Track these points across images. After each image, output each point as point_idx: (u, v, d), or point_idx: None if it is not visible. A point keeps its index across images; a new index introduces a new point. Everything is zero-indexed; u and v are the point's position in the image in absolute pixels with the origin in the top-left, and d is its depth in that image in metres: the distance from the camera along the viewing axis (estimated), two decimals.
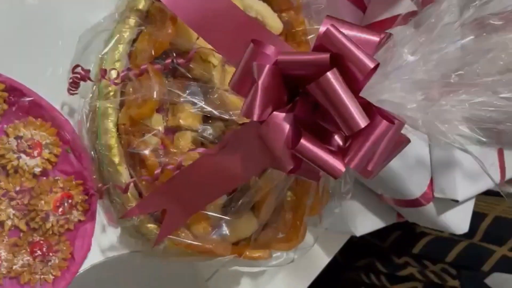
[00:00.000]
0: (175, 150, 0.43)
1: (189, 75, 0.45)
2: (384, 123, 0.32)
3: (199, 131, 0.48)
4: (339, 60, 0.33)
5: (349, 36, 0.34)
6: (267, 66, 0.34)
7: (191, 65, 0.45)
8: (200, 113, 0.47)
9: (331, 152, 0.35)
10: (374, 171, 0.36)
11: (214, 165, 0.41)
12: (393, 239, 0.93)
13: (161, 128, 0.46)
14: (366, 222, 0.65)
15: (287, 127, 0.35)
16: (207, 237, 0.48)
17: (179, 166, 0.41)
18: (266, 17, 0.53)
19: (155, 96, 0.41)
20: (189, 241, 0.45)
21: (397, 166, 0.54)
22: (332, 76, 0.32)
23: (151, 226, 0.45)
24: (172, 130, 0.48)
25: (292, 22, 0.55)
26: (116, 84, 0.41)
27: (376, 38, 0.34)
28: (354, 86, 0.33)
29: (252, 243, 0.50)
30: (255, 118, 0.35)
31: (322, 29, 0.34)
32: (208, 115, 0.46)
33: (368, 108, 0.33)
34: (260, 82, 0.35)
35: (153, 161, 0.42)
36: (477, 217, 0.83)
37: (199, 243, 0.45)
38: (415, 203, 0.59)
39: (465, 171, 0.56)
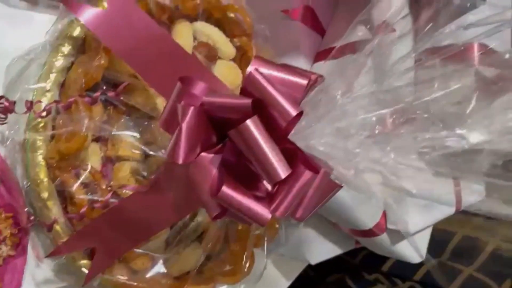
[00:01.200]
0: (104, 187, 0.41)
1: (126, 107, 0.43)
2: (307, 173, 0.31)
3: (140, 162, 0.46)
4: (263, 105, 0.31)
5: (277, 79, 0.33)
6: (192, 108, 0.33)
7: (131, 95, 0.43)
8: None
9: (256, 199, 0.33)
10: (304, 217, 0.35)
11: (145, 203, 0.39)
12: (363, 256, 0.93)
13: (98, 159, 0.45)
14: (322, 249, 0.64)
15: (213, 170, 0.34)
16: (146, 272, 0.46)
17: (106, 204, 0.39)
18: (218, 42, 0.52)
19: (83, 130, 0.39)
20: (122, 280, 0.43)
21: (349, 197, 0.53)
22: (252, 124, 0.30)
23: (83, 262, 0.43)
24: (112, 160, 0.46)
25: (245, 47, 0.54)
26: (42, 117, 0.39)
27: (304, 81, 0.33)
28: (278, 133, 0.31)
29: (194, 277, 0.49)
30: (179, 161, 0.34)
31: (248, 71, 0.32)
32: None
33: (293, 155, 0.32)
34: (184, 125, 0.33)
35: (80, 199, 0.40)
36: (445, 236, 0.83)
37: (133, 283, 0.43)
38: (369, 233, 0.58)
39: (417, 203, 0.55)
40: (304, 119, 0.33)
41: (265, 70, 0.33)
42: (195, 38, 0.51)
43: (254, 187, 0.34)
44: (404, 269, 0.87)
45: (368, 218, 0.56)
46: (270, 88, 0.31)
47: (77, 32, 0.43)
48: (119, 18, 0.39)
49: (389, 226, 0.56)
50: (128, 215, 0.39)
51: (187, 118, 0.33)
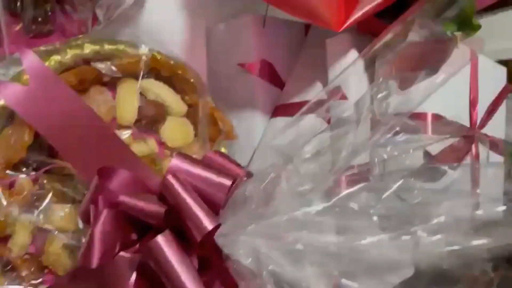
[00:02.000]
0: (24, 274, 0.38)
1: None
2: None
3: (74, 234, 0.44)
4: (180, 214, 0.29)
5: (200, 178, 0.30)
6: (105, 212, 0.30)
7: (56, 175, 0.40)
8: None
9: None
10: None
11: None
12: None
13: (27, 233, 0.42)
14: None
15: (129, 275, 0.31)
16: None
17: None
18: (167, 100, 0.49)
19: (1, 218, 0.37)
20: None
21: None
22: (162, 241, 0.27)
23: None
24: (45, 232, 0.43)
25: (196, 104, 0.51)
26: None
27: (228, 182, 0.30)
28: (194, 242, 0.29)
29: None
30: (92, 266, 0.31)
31: (165, 175, 0.30)
32: None
33: (209, 264, 0.29)
34: (96, 229, 0.30)
35: None
36: None
37: None
38: None
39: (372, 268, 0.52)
40: (227, 222, 0.30)
41: (189, 168, 0.30)
42: (144, 96, 0.49)
43: None
44: None
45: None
46: (186, 198, 0.28)
47: (2, 101, 0.40)
48: (41, 95, 0.36)
49: None
50: None
51: (100, 222, 0.30)
